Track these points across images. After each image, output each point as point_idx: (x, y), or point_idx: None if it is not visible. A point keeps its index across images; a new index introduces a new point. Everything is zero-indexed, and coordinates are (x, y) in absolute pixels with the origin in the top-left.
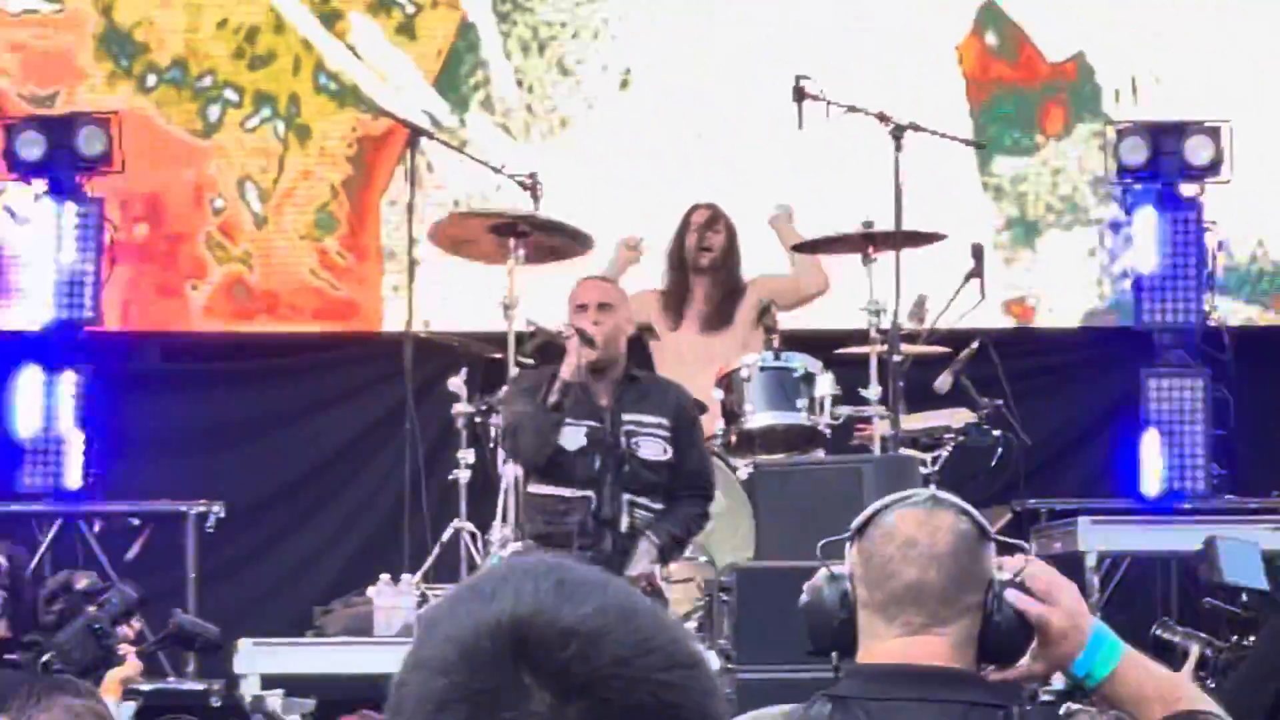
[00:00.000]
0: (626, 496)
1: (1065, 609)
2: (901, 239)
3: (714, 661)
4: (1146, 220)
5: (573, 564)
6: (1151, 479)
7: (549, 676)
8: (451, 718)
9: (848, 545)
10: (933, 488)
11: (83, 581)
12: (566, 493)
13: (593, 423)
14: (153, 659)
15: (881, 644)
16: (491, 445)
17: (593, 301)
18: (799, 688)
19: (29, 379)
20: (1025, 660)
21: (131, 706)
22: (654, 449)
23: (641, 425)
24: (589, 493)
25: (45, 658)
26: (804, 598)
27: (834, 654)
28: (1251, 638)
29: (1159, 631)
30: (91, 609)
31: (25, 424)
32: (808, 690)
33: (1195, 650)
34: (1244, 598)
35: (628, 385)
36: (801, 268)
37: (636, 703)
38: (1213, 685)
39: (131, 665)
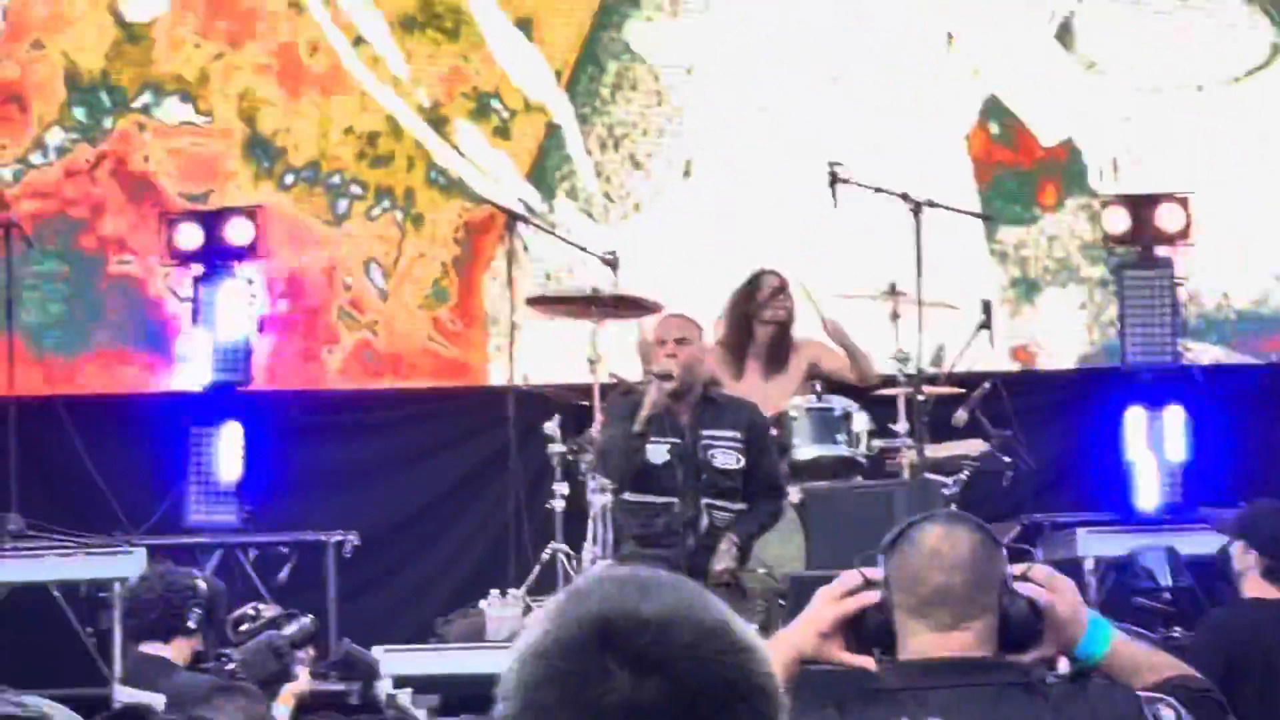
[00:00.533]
0: (705, 501)
1: (1066, 597)
2: (920, 303)
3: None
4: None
5: (654, 571)
6: (1140, 495)
7: (629, 659)
8: (546, 695)
9: (881, 557)
10: (953, 506)
11: (269, 610)
12: (655, 500)
13: (675, 440)
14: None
15: (917, 640)
16: (581, 478)
17: (670, 336)
18: (849, 679)
19: (223, 434)
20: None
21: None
22: (728, 458)
23: (717, 439)
24: (673, 499)
25: (230, 667)
26: None
27: (876, 651)
28: (1177, 629)
29: None
30: (274, 632)
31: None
32: (857, 681)
33: None
34: (1167, 595)
35: (705, 405)
36: (860, 360)
37: (704, 680)
38: None
39: (305, 681)
